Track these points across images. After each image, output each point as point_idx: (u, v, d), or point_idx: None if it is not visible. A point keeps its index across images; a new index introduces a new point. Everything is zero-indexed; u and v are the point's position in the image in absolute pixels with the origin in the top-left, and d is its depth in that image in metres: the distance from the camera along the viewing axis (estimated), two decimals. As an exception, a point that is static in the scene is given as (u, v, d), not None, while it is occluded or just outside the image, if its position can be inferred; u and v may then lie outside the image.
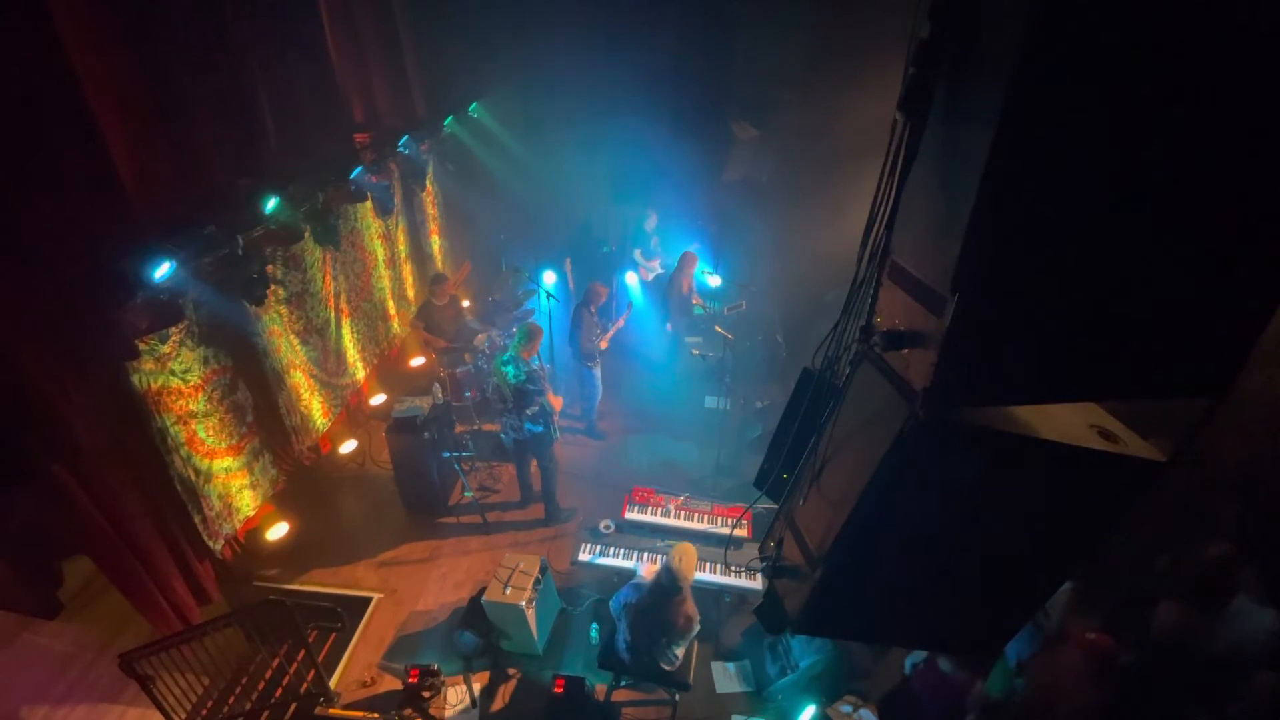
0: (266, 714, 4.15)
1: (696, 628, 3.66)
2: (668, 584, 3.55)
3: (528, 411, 5.06)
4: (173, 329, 4.10)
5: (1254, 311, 1.32)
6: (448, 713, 4.21)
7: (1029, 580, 1.86)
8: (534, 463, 5.66)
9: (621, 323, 6.61)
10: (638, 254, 8.44)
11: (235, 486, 4.83)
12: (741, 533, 4.79)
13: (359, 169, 5.94)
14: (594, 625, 4.75)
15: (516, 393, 5.00)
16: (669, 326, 7.47)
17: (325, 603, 4.81)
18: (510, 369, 4.97)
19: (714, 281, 7.65)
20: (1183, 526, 3.15)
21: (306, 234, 5.27)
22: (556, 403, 5.24)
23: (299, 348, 5.56)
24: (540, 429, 5.17)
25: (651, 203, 8.52)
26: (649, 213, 8.45)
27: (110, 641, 4.44)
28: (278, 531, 4.97)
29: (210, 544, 4.56)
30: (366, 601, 5.02)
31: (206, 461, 4.49)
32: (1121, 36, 1.08)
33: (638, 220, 8.60)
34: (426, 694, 4.07)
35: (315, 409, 5.87)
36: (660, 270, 8.37)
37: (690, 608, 3.62)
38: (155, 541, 4.06)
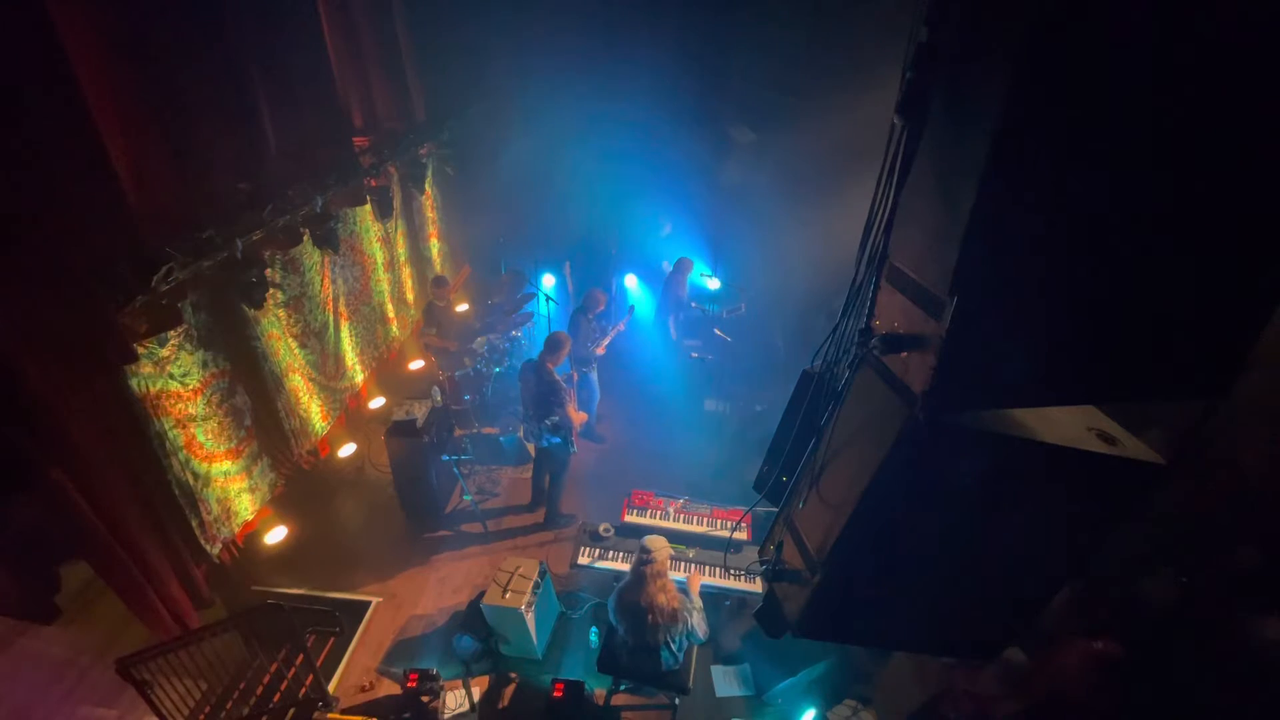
0: (265, 719, 4.13)
1: (688, 618, 3.57)
2: (641, 555, 3.59)
3: (547, 421, 5.03)
4: (171, 333, 4.10)
5: (1252, 313, 1.32)
6: (446, 717, 4.18)
7: (1029, 583, 1.86)
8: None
9: (621, 327, 6.57)
10: (666, 265, 8.43)
11: (234, 490, 4.82)
12: (741, 536, 4.77)
13: (358, 172, 5.94)
14: (593, 629, 4.74)
15: (537, 399, 4.99)
16: (673, 335, 7.47)
17: (323, 607, 4.78)
18: (534, 376, 4.96)
19: (713, 285, 7.64)
20: (1183, 529, 3.15)
21: (305, 237, 5.27)
22: (578, 418, 5.19)
23: (298, 351, 5.56)
24: (559, 441, 5.16)
25: (661, 211, 8.57)
26: (664, 222, 8.49)
27: (107, 646, 4.41)
28: (276, 535, 4.95)
29: (208, 548, 4.55)
30: (365, 606, 5.01)
31: (205, 465, 4.48)
32: (1121, 41, 1.09)
33: (636, 223, 8.62)
34: (425, 698, 4.06)
35: (314, 412, 5.86)
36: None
37: (670, 587, 3.56)
38: (153, 546, 4.05)
